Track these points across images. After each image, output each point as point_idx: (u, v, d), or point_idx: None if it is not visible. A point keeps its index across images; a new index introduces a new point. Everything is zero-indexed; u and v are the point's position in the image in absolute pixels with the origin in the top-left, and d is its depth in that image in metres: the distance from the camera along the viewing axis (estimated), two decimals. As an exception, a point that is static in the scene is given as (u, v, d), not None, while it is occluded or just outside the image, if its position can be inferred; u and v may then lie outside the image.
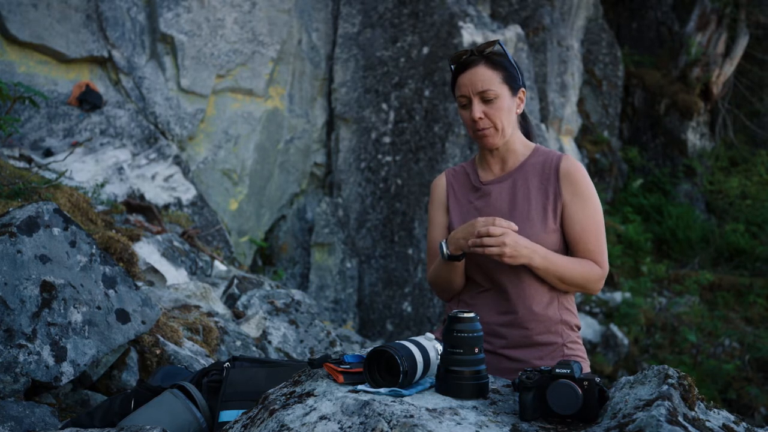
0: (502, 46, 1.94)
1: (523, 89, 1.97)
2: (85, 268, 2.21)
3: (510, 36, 8.26)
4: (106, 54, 6.53)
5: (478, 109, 1.90)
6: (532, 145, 2.02)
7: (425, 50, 7.82)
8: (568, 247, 1.94)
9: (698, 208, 11.74)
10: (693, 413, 1.28)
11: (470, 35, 7.74)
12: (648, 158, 12.26)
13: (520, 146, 1.99)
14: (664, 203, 11.45)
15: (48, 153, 5.71)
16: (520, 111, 1.97)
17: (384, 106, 7.91)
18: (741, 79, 12.81)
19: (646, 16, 13.54)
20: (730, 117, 12.91)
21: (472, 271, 1.96)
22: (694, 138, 12.36)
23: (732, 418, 1.37)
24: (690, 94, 12.07)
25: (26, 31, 6.01)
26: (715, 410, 1.37)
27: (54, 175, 4.30)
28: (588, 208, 1.89)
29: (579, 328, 1.99)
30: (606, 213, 11.01)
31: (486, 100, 1.90)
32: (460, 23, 7.76)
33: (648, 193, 11.66)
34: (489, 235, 1.76)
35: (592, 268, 1.89)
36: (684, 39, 12.18)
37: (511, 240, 1.77)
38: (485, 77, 1.90)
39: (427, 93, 7.73)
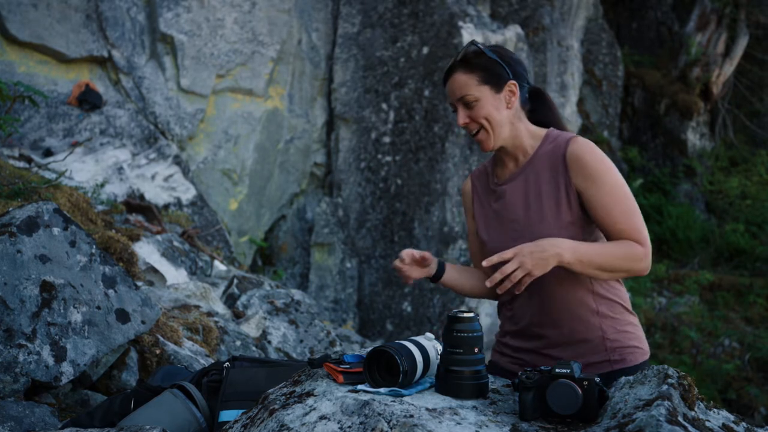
0: (478, 46, 1.90)
1: (512, 81, 1.88)
2: (85, 268, 2.21)
3: (510, 36, 8.25)
4: (105, 54, 6.53)
5: (462, 115, 1.88)
6: (543, 132, 1.93)
7: (425, 50, 7.82)
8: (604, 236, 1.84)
9: (698, 208, 11.74)
10: (693, 413, 1.28)
11: (470, 35, 7.73)
12: (648, 158, 12.26)
13: (528, 138, 1.92)
14: (664, 203, 11.46)
15: (48, 153, 5.71)
16: (512, 105, 1.89)
17: (384, 106, 7.91)
18: (741, 79, 12.81)
19: (646, 16, 13.54)
20: (730, 117, 12.91)
21: None
22: (694, 138, 12.36)
23: (732, 417, 1.37)
24: (690, 94, 12.07)
25: (26, 31, 6.01)
26: (715, 410, 1.37)
27: (54, 175, 4.30)
28: (604, 186, 1.77)
29: (629, 310, 1.90)
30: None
31: (467, 104, 1.87)
32: (460, 23, 7.76)
33: (648, 193, 11.66)
34: (506, 273, 1.68)
35: (631, 248, 1.74)
36: (684, 39, 12.19)
37: (526, 256, 1.68)
38: (461, 82, 1.87)
39: (427, 93, 7.73)
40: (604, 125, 11.75)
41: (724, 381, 8.05)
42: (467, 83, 1.86)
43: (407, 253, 1.93)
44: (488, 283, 1.70)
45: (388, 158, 7.78)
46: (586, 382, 1.34)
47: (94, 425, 1.82)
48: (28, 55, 6.13)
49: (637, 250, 1.75)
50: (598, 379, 1.35)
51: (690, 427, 1.20)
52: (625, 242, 1.75)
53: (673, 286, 10.06)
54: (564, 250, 1.69)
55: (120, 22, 6.64)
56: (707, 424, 1.29)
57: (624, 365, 1.83)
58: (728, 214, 11.66)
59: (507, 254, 1.69)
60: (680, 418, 1.21)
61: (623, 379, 1.42)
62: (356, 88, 8.04)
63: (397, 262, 1.94)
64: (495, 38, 8.00)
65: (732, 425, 1.33)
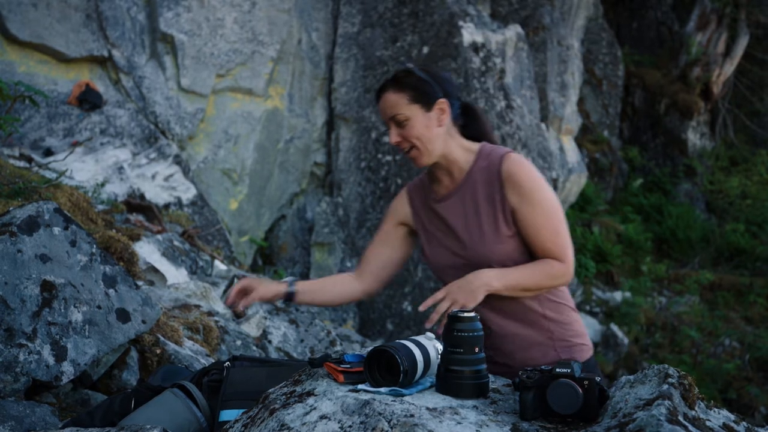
0: (407, 66, 1.95)
1: (442, 100, 1.92)
2: (86, 268, 2.21)
3: (510, 35, 8.26)
4: (106, 53, 6.53)
5: (394, 134, 1.92)
6: (476, 147, 1.97)
7: (425, 50, 7.82)
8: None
9: (698, 207, 11.74)
10: (693, 413, 1.28)
11: (470, 35, 7.74)
12: (648, 158, 12.26)
13: (461, 153, 1.96)
14: (664, 203, 11.46)
15: (48, 152, 5.71)
16: (443, 123, 1.93)
17: (384, 105, 7.90)
18: (741, 78, 12.81)
19: (646, 16, 13.54)
20: (730, 117, 12.91)
21: None
22: (694, 138, 12.36)
23: (732, 417, 1.37)
24: (690, 94, 12.08)
25: (26, 31, 6.01)
26: (716, 410, 1.37)
27: (54, 175, 4.30)
28: (536, 206, 1.86)
29: (572, 308, 2.00)
30: (606, 213, 11.02)
31: (399, 123, 1.91)
32: (460, 23, 7.76)
33: (648, 193, 11.67)
34: (440, 312, 1.80)
35: (551, 267, 1.87)
36: (684, 39, 12.19)
37: (456, 292, 1.81)
38: (392, 102, 1.91)
39: (427, 92, 7.72)
40: (605, 125, 11.75)
41: (724, 381, 8.05)
42: (398, 102, 1.90)
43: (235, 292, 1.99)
44: (421, 308, 1.83)
45: (389, 158, 7.78)
46: (586, 382, 1.34)
47: (94, 425, 1.82)
48: (29, 54, 6.13)
49: (556, 269, 1.87)
50: (599, 379, 1.35)
51: (690, 427, 1.20)
52: (546, 261, 1.87)
53: (673, 286, 10.07)
54: (491, 279, 1.82)
55: (120, 22, 6.64)
56: (708, 423, 1.29)
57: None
58: (728, 214, 11.67)
59: (439, 295, 1.82)
60: (681, 418, 1.21)
61: (624, 378, 1.42)
62: (356, 88, 8.04)
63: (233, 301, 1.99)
64: (495, 38, 8.00)
65: (732, 425, 1.33)
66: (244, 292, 1.99)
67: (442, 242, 1.98)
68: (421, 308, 1.85)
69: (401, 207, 2.10)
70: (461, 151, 1.96)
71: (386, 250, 2.09)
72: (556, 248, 1.87)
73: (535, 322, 1.93)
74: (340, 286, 2.10)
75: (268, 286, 1.99)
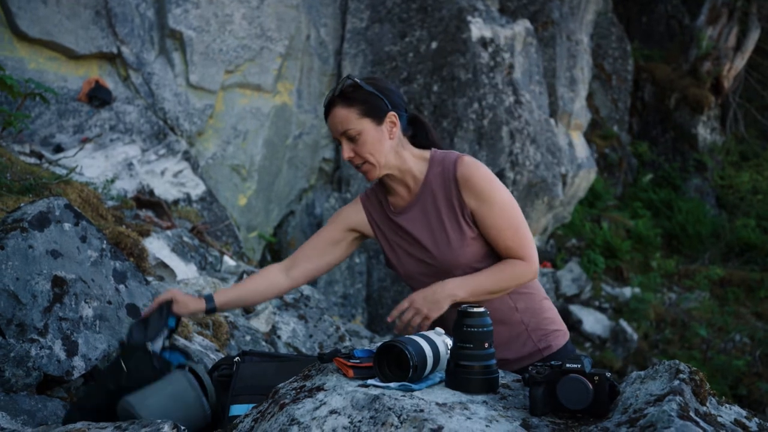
0: (354, 79, 1.92)
1: (392, 113, 1.92)
2: (96, 263, 2.23)
3: (519, 30, 8.22)
4: (115, 50, 6.55)
5: (347, 149, 1.91)
6: (427, 154, 1.97)
7: (434, 45, 7.80)
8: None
9: (708, 203, 11.67)
10: (705, 408, 1.28)
11: (479, 30, 7.71)
12: (658, 153, 12.19)
13: (414, 163, 1.96)
14: (674, 198, 11.39)
15: (58, 149, 5.74)
16: (394, 136, 1.93)
17: (392, 101, 7.89)
18: (752, 72, 12.71)
19: (656, 10, 13.45)
20: (741, 111, 12.82)
21: None
22: (704, 132, 12.28)
23: (744, 413, 1.36)
24: (700, 88, 11.99)
25: (36, 28, 6.03)
26: (727, 405, 1.37)
27: (64, 171, 4.32)
28: (494, 207, 1.88)
29: (543, 296, 2.02)
30: (615, 208, 10.98)
31: (350, 138, 1.90)
32: (469, 18, 7.73)
33: (658, 188, 11.60)
34: (405, 322, 1.86)
35: (515, 267, 1.90)
36: (694, 32, 12.10)
37: (420, 302, 1.85)
38: (342, 117, 1.89)
39: (435, 88, 7.71)
40: (614, 120, 11.69)
41: (734, 377, 8.01)
42: (348, 117, 1.89)
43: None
44: (389, 319, 1.90)
45: (397, 153, 7.77)
46: (596, 377, 1.33)
47: (94, 407, 1.81)
48: (38, 51, 6.15)
49: (519, 269, 1.90)
50: (608, 374, 1.35)
51: (702, 423, 1.19)
52: (508, 262, 1.90)
53: (683, 282, 10.02)
54: (455, 289, 1.86)
55: (129, 18, 6.65)
56: (719, 419, 1.28)
57: (552, 350, 1.97)
58: (739, 209, 11.59)
59: (403, 305, 1.88)
60: (692, 414, 1.21)
61: (634, 374, 1.42)
62: (365, 84, 8.03)
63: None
64: (504, 33, 7.97)
65: (744, 421, 1.32)
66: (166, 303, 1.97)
67: (409, 252, 1.98)
68: (389, 319, 1.90)
69: (354, 214, 2.08)
70: (414, 160, 1.96)
71: (328, 252, 2.06)
72: (518, 247, 1.89)
73: (509, 318, 1.95)
74: (263, 285, 2.06)
75: (187, 304, 1.97)
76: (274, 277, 2.07)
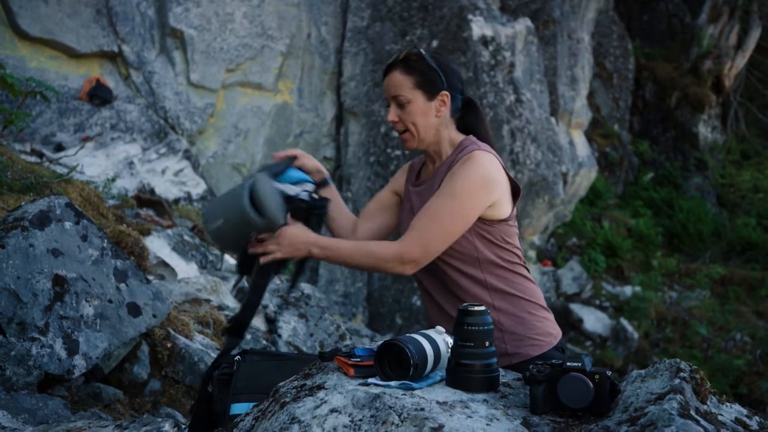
0: (420, 51, 1.95)
1: (445, 92, 1.93)
2: (97, 262, 2.23)
3: (520, 29, 8.22)
4: (116, 49, 6.55)
5: (392, 113, 1.95)
6: (459, 140, 1.97)
7: (434, 44, 7.80)
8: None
9: (709, 201, 11.66)
10: (705, 407, 1.28)
11: (480, 28, 7.71)
12: (659, 152, 12.19)
13: (447, 146, 1.97)
14: (675, 197, 11.39)
15: (59, 148, 5.74)
16: (441, 114, 1.94)
17: (393, 99, 7.90)
18: (753, 71, 12.70)
19: (657, 9, 13.43)
20: (741, 110, 12.81)
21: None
22: (705, 131, 12.27)
23: (745, 412, 1.36)
24: (701, 87, 11.98)
25: (37, 27, 6.04)
26: (728, 404, 1.37)
27: (65, 170, 4.32)
28: (442, 196, 1.84)
29: (532, 301, 1.93)
30: (616, 207, 10.97)
31: (399, 104, 1.94)
32: (470, 16, 7.73)
33: (659, 187, 11.60)
34: (265, 248, 1.86)
35: (380, 248, 1.86)
36: (695, 31, 12.09)
37: (284, 241, 1.84)
38: (397, 82, 1.93)
39: (436, 87, 7.70)
40: (615, 118, 11.68)
41: (735, 375, 8.02)
42: (402, 84, 1.92)
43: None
44: (250, 251, 1.88)
45: (398, 152, 7.77)
46: (597, 376, 1.33)
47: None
48: (39, 50, 6.15)
49: (383, 251, 1.84)
50: (609, 373, 1.35)
51: (702, 421, 1.19)
52: (380, 243, 1.89)
53: (684, 280, 10.02)
54: (316, 243, 1.86)
55: (130, 17, 6.66)
56: (720, 418, 1.28)
57: (521, 358, 1.88)
58: (740, 208, 11.59)
59: (270, 245, 1.86)
60: (692, 412, 1.21)
61: (635, 372, 1.42)
62: (365, 82, 8.03)
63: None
64: (505, 31, 7.97)
65: (745, 419, 1.32)
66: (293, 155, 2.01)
67: (404, 220, 2.03)
68: (250, 250, 1.88)
69: (400, 178, 2.14)
70: (448, 144, 1.98)
71: (379, 215, 2.12)
72: (411, 228, 1.85)
73: None
74: (348, 221, 2.13)
75: (313, 160, 2.05)
76: (353, 223, 2.12)
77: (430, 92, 1.93)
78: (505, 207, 1.92)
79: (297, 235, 1.85)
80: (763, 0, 12.11)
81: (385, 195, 2.14)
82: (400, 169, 2.16)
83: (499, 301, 1.91)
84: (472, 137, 1.97)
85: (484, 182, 1.86)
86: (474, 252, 1.90)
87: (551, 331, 1.95)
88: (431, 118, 1.94)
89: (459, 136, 1.99)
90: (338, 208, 2.09)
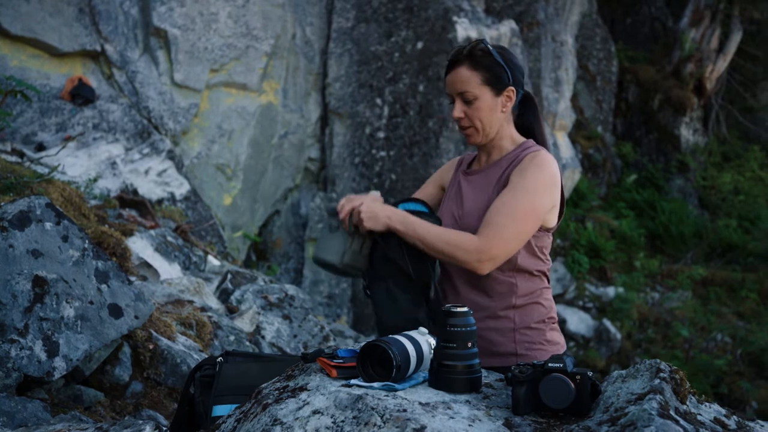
0: (487, 45, 1.93)
1: (511, 87, 1.93)
2: (78, 263, 2.21)
3: (504, 31, 8.25)
4: (98, 48, 6.49)
5: (458, 109, 1.94)
6: (522, 140, 1.99)
7: (419, 45, 7.81)
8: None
9: (691, 203, 11.78)
10: (684, 407, 1.29)
11: (464, 30, 7.73)
12: (641, 153, 12.29)
13: (508, 142, 1.98)
14: (657, 198, 11.49)
15: (40, 147, 5.68)
16: (507, 110, 1.94)
17: (378, 101, 7.90)
18: (734, 74, 12.85)
19: (640, 12, 13.55)
20: (723, 113, 12.95)
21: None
22: (687, 133, 12.40)
23: (723, 411, 1.37)
24: (683, 90, 12.10)
25: (18, 25, 5.97)
26: (707, 404, 1.38)
27: (46, 170, 4.27)
28: (515, 191, 1.83)
29: (548, 313, 1.94)
30: (599, 208, 11.05)
31: (466, 100, 1.92)
32: (455, 18, 7.75)
33: (641, 189, 11.70)
34: (349, 211, 1.86)
35: (462, 237, 1.82)
36: (678, 34, 12.21)
37: (365, 208, 1.85)
38: (464, 78, 1.90)
39: (421, 88, 7.72)
40: (598, 120, 11.77)
41: (716, 375, 8.10)
42: (470, 80, 1.90)
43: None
44: (337, 208, 1.89)
45: (383, 153, 7.77)
46: (578, 377, 1.34)
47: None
48: (21, 48, 6.09)
49: (466, 241, 1.81)
50: (590, 374, 1.36)
51: (681, 421, 1.20)
52: (461, 233, 1.84)
53: (666, 281, 10.11)
54: (394, 217, 1.86)
55: (113, 16, 6.60)
56: (699, 417, 1.29)
57: (528, 360, 1.87)
58: (721, 210, 11.71)
59: (352, 201, 1.89)
60: (672, 412, 1.22)
61: (616, 373, 1.43)
62: (350, 83, 8.03)
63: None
64: (489, 33, 8.00)
65: (723, 419, 1.33)
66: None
67: (448, 205, 2.02)
68: (337, 208, 1.90)
69: (447, 172, 2.13)
70: (509, 140, 1.98)
71: (429, 194, 2.14)
72: (490, 228, 1.80)
73: (502, 312, 1.92)
74: None
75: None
76: None
77: (497, 88, 1.92)
78: (554, 215, 1.93)
79: (378, 210, 1.86)
80: (744, 4, 12.25)
81: (433, 191, 2.14)
82: (448, 162, 2.16)
83: (521, 304, 1.92)
84: (531, 140, 2.00)
85: (553, 181, 1.88)
86: (516, 257, 1.89)
87: (559, 340, 1.98)
88: (497, 113, 1.93)
89: (519, 137, 2.00)
90: None
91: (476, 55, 1.91)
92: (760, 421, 1.38)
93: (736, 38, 12.11)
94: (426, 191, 2.14)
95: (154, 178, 6.28)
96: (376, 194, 1.92)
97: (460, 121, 1.95)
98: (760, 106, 13.23)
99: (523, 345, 1.91)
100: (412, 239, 1.83)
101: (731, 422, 1.33)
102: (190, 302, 3.36)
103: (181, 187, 6.40)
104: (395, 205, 1.96)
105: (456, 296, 1.96)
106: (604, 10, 12.78)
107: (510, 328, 1.91)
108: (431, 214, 1.97)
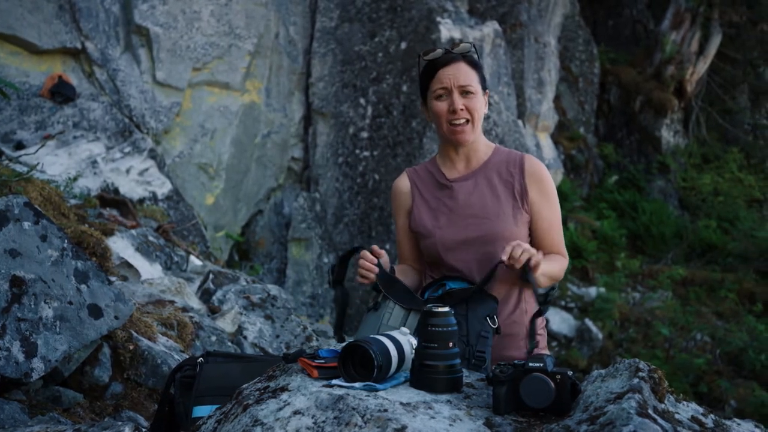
0: (474, 50, 2.06)
1: (488, 91, 2.08)
2: (57, 263, 2.18)
3: (487, 32, 8.28)
4: (79, 45, 6.43)
5: (460, 101, 1.98)
6: (493, 145, 2.12)
7: (403, 45, 7.82)
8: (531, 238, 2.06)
9: (672, 204, 11.90)
10: (663, 406, 1.30)
11: (448, 31, 7.75)
12: (623, 154, 12.39)
13: (483, 146, 2.09)
14: (638, 199, 11.59)
15: (19, 146, 5.61)
16: (485, 112, 2.08)
17: (362, 101, 7.89)
18: (714, 77, 13.00)
19: (622, 14, 13.67)
20: (703, 114, 13.09)
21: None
22: (668, 135, 12.52)
23: (701, 410, 1.39)
24: (664, 92, 12.22)
25: (-3, 22, 5.90)
26: (685, 403, 1.39)
27: (25, 169, 4.22)
28: (552, 205, 2.05)
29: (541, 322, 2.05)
30: (581, 209, 11.13)
31: (465, 93, 1.99)
32: (438, 18, 7.77)
33: (622, 189, 11.79)
34: (515, 257, 1.83)
35: (563, 263, 2.07)
36: (659, 37, 12.33)
37: (523, 245, 1.86)
38: (466, 73, 2.00)
39: (404, 88, 7.73)
40: (580, 122, 11.85)
41: (695, 375, 8.18)
42: (472, 76, 2.01)
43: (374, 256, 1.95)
44: (504, 257, 1.83)
45: (366, 153, 7.77)
46: (558, 376, 1.35)
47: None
48: (-1, 46, 6.01)
49: (565, 263, 2.08)
50: (570, 373, 1.37)
51: (660, 420, 1.21)
52: (557, 256, 2.05)
53: (646, 281, 10.20)
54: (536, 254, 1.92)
55: (94, 14, 6.54)
56: (676, 416, 1.31)
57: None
58: (701, 210, 11.84)
59: (515, 247, 1.85)
60: (650, 411, 1.23)
61: (595, 372, 1.44)
62: (334, 83, 8.02)
63: (368, 264, 1.95)
64: (473, 34, 8.03)
65: (701, 417, 1.35)
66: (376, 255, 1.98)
67: (452, 220, 2.02)
68: (503, 256, 1.83)
69: (404, 196, 2.13)
70: (483, 143, 2.10)
71: (413, 242, 2.14)
72: (560, 243, 2.07)
73: (517, 316, 2.03)
74: (411, 276, 2.14)
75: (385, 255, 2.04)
76: (414, 273, 2.15)
77: (484, 89, 2.06)
78: None
79: (529, 246, 1.92)
80: (724, 8, 12.40)
81: (405, 225, 2.13)
82: (394, 190, 2.17)
83: (530, 307, 2.02)
84: (500, 146, 2.15)
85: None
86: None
87: (547, 346, 2.14)
88: (483, 112, 2.06)
89: (488, 141, 2.12)
90: (403, 273, 2.12)
91: (472, 57, 2.04)
92: (736, 420, 1.40)
93: (715, 41, 12.25)
94: (404, 226, 2.13)
95: (135, 177, 6.23)
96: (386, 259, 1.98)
97: (459, 113, 1.99)
98: (739, 109, 13.40)
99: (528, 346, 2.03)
100: (544, 276, 1.94)
101: (708, 421, 1.35)
102: (172, 302, 3.33)
103: (162, 187, 6.36)
104: (444, 284, 1.98)
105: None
106: (587, 12, 12.88)
107: (521, 324, 2.03)
108: (471, 284, 1.98)
